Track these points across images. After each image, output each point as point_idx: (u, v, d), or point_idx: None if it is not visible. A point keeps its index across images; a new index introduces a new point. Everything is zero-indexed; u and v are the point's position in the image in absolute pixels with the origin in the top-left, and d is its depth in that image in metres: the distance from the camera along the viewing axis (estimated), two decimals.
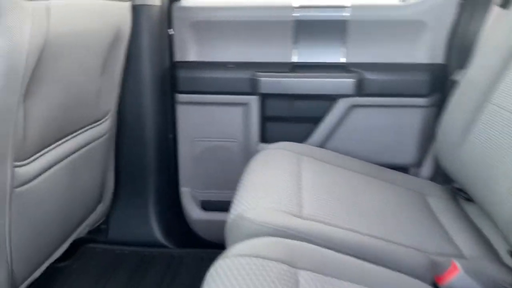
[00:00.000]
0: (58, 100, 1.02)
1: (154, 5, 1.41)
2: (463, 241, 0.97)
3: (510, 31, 1.01)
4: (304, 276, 0.69)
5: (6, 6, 0.78)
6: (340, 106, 1.39)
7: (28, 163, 0.96)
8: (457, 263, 0.84)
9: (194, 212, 1.57)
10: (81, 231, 1.33)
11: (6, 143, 0.86)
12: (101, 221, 1.48)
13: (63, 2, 0.93)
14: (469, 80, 1.11)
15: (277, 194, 0.98)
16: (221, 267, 0.69)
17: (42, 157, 1.01)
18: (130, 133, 1.48)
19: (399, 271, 0.80)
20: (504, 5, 1.11)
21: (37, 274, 1.10)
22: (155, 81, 1.46)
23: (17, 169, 0.92)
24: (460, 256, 0.91)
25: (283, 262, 0.70)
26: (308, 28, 1.42)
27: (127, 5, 1.25)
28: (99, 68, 1.18)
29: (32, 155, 0.97)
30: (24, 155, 0.94)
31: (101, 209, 1.42)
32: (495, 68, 1.01)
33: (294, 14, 1.41)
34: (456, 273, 0.83)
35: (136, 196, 1.52)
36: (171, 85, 1.51)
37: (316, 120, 1.43)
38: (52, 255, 1.18)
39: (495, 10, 1.17)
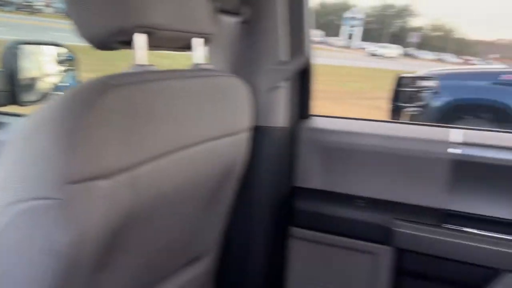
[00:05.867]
0: (142, 260, 0.82)
1: (279, 127, 1.19)
2: None
3: None
4: None
5: (78, 191, 0.59)
6: (510, 283, 1.08)
7: None
8: None
9: None
10: None
11: None
12: None
13: (164, 160, 0.72)
14: None
15: None
16: None
17: None
18: (235, 268, 1.24)
19: None
20: None
21: None
22: (270, 210, 1.22)
23: None
24: None
25: None
26: (473, 170, 1.12)
27: (245, 135, 1.02)
28: (201, 208, 0.96)
29: None
30: None
31: None
32: None
33: (449, 151, 1.13)
34: None
35: None
36: (287, 215, 1.27)
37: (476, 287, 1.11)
38: None
39: None
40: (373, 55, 29.66)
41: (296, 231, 1.25)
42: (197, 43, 0.88)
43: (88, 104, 0.60)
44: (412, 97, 5.35)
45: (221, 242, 1.14)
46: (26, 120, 0.62)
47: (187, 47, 0.88)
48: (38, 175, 0.59)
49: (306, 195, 1.25)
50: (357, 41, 39.56)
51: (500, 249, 1.06)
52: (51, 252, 0.61)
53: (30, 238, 0.61)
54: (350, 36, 39.34)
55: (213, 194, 0.97)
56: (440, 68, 7.93)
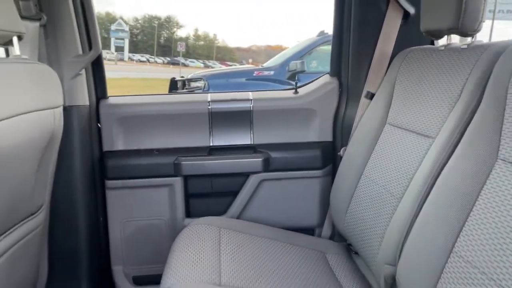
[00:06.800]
0: None
1: (83, 105, 1.57)
2: None
3: (372, 119, 1.41)
4: None
5: None
6: (252, 181, 1.70)
7: None
8: None
9: None
10: None
11: None
12: None
13: (9, 121, 1.04)
14: (349, 156, 1.48)
15: (200, 267, 1.20)
16: None
17: None
18: (63, 220, 1.54)
19: None
20: (369, 97, 1.53)
21: None
22: (86, 170, 1.57)
23: None
24: None
25: None
26: (221, 117, 1.72)
27: (60, 110, 1.36)
28: (35, 168, 1.27)
29: None
30: None
31: None
32: (365, 147, 1.38)
33: (208, 107, 1.71)
34: None
35: (69, 279, 1.57)
36: (101, 173, 1.63)
37: (233, 194, 1.72)
38: None
39: (363, 101, 1.56)
40: None
41: (112, 183, 1.64)
42: (15, 40, 1.19)
43: None
44: None
45: (51, 199, 1.44)
46: None
47: (8, 43, 1.18)
48: None
49: (115, 156, 1.65)
50: (126, 53, 39.65)
51: (247, 160, 1.69)
52: None
53: None
54: (118, 49, 39.16)
55: (42, 157, 1.28)
56: (207, 70, 9.07)
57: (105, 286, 1.68)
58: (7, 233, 1.18)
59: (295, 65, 6.02)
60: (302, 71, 5.95)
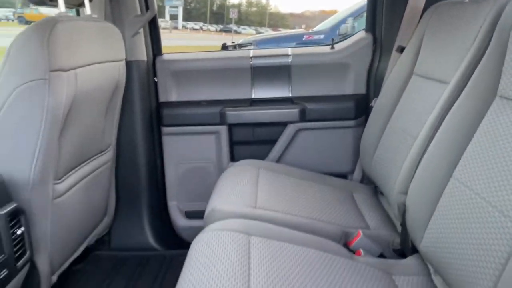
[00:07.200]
0: (78, 137, 1.35)
1: (142, 60, 1.80)
2: (372, 219, 1.40)
3: (401, 71, 1.51)
4: (254, 239, 1.09)
5: (52, 77, 1.12)
6: (289, 130, 1.88)
7: (61, 182, 1.31)
8: (361, 232, 1.25)
9: (180, 221, 1.96)
10: (91, 239, 1.63)
11: (49, 168, 1.21)
12: (105, 232, 1.77)
13: (85, 68, 1.27)
14: (379, 107, 1.60)
15: (239, 194, 1.39)
16: (200, 238, 1.10)
17: (69, 177, 1.36)
18: (127, 160, 1.81)
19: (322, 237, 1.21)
20: (400, 50, 1.61)
21: (65, 265, 1.43)
22: (145, 117, 1.82)
23: (55, 185, 1.27)
24: (366, 227, 1.34)
25: (241, 232, 1.10)
26: (262, 72, 1.89)
27: (123, 63, 1.61)
28: (104, 111, 1.51)
29: (63, 176, 1.32)
30: (58, 175, 1.29)
31: (106, 221, 1.72)
32: (393, 97, 1.49)
33: (251, 62, 1.88)
34: (358, 237, 1.24)
35: (133, 210, 1.85)
36: (158, 120, 1.88)
37: (272, 142, 1.91)
38: (73, 254, 1.49)
39: (394, 54, 1.67)
40: None
41: (167, 129, 1.88)
42: (86, 1, 1.41)
43: (51, 28, 1.13)
44: None
45: (116, 141, 1.70)
46: (20, 35, 1.11)
47: (81, 4, 1.41)
48: (32, 67, 1.10)
49: (169, 106, 1.88)
50: (180, 21, 40.18)
51: (285, 111, 1.86)
52: (43, 110, 1.12)
53: (31, 102, 1.12)
54: (172, 17, 39.73)
55: (109, 103, 1.53)
56: (257, 35, 9.16)
57: (162, 218, 1.96)
58: (84, 163, 1.45)
59: (345, 28, 5.97)
60: (353, 34, 5.89)
